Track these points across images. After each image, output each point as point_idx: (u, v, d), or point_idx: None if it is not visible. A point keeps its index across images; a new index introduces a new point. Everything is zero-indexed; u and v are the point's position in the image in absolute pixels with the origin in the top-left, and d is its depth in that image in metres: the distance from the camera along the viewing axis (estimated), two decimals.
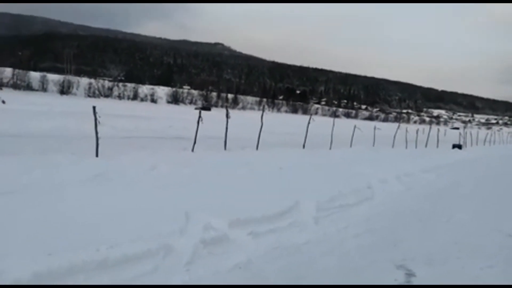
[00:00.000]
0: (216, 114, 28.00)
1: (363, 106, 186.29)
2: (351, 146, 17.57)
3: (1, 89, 47.61)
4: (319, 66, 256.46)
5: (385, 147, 19.07)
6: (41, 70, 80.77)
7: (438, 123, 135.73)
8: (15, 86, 55.59)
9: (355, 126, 18.72)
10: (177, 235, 4.25)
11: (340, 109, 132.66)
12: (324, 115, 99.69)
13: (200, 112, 11.80)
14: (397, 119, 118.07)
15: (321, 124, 18.73)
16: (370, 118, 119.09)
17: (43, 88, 59.24)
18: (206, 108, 63.72)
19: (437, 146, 25.17)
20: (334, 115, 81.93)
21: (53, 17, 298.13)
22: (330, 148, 15.73)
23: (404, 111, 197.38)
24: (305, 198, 6.38)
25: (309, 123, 15.51)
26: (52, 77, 63.94)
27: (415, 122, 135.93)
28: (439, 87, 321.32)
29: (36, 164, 7.07)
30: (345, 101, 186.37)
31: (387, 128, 28.70)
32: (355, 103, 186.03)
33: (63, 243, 3.74)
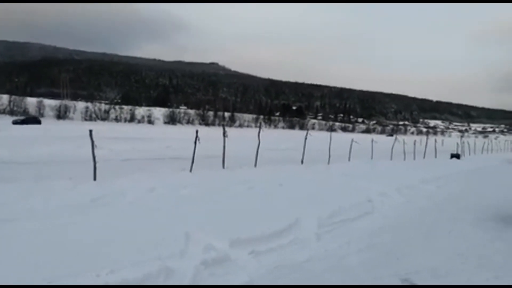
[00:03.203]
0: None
1: (360, 120, 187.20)
2: (349, 160, 17.58)
3: None
4: (314, 82, 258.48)
5: (384, 159, 19.08)
6: (37, 95, 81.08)
7: (435, 134, 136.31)
8: (12, 113, 55.78)
9: (352, 140, 18.77)
10: (177, 257, 4.20)
11: (337, 123, 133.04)
12: (321, 129, 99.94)
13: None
14: (394, 131, 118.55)
15: (318, 139, 18.78)
16: (367, 131, 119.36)
17: (40, 114, 59.35)
18: (30, 120, 44.66)
19: (435, 157, 25.22)
20: (331, 129, 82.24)
21: (48, 43, 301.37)
22: (329, 163, 15.72)
23: (401, 123, 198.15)
24: (306, 215, 6.35)
25: (306, 138, 15.55)
26: (49, 102, 64.19)
27: (412, 133, 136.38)
28: (434, 97, 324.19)
29: (34, 191, 7.02)
30: (342, 115, 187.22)
31: (384, 141, 28.80)
32: (351, 117, 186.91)
33: (62, 270, 3.69)
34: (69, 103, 67.60)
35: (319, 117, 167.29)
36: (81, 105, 68.36)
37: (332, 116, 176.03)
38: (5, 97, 58.02)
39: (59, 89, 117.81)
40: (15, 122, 42.28)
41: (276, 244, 5.04)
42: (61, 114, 61.44)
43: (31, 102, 60.68)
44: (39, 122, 45.67)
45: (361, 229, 6.28)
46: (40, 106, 60.27)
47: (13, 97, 59.57)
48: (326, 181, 11.03)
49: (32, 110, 58.98)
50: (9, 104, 57.03)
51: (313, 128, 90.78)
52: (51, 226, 5.18)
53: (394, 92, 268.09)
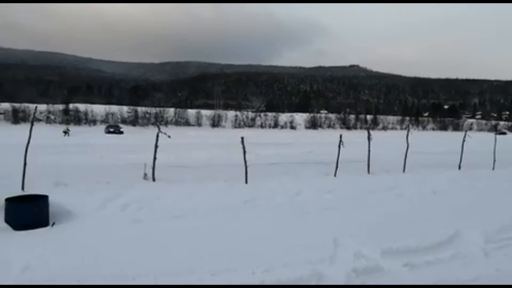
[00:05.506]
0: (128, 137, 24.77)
1: None
2: None
3: (166, 126, 55.93)
4: (470, 77, 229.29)
5: None
6: (196, 107, 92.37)
7: None
8: (177, 123, 64.83)
9: None
10: (327, 262, 4.21)
11: (501, 123, 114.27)
12: (480, 130, 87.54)
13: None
14: None
15: (478, 140, 16.50)
16: None
17: (198, 123, 67.50)
18: (114, 129, 47.20)
19: None
20: (495, 129, 71.37)
21: (203, 60, 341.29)
22: (493, 168, 13.63)
23: None
24: (468, 227, 5.64)
25: (464, 140, 13.82)
26: (205, 112, 72.49)
27: None
28: None
29: (196, 191, 7.96)
30: (507, 113, 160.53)
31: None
32: None
33: (223, 264, 4.08)
34: (221, 112, 74.88)
35: (478, 116, 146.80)
36: (231, 114, 74.94)
37: (495, 115, 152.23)
38: (171, 110, 67.87)
39: (212, 100, 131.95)
40: (108, 131, 46.11)
41: (434, 258, 4.58)
42: (215, 123, 68.55)
43: (191, 113, 69.44)
44: (120, 132, 47.61)
45: None
46: (198, 116, 68.44)
47: (177, 109, 69.25)
48: (492, 189, 9.61)
49: (192, 120, 67.42)
50: (175, 115, 66.32)
51: (470, 129, 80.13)
52: (211, 223, 5.79)
53: None
